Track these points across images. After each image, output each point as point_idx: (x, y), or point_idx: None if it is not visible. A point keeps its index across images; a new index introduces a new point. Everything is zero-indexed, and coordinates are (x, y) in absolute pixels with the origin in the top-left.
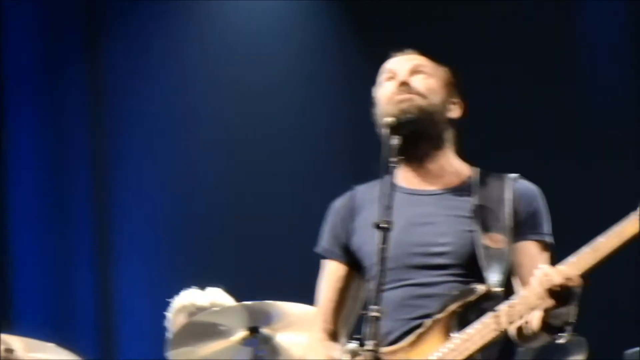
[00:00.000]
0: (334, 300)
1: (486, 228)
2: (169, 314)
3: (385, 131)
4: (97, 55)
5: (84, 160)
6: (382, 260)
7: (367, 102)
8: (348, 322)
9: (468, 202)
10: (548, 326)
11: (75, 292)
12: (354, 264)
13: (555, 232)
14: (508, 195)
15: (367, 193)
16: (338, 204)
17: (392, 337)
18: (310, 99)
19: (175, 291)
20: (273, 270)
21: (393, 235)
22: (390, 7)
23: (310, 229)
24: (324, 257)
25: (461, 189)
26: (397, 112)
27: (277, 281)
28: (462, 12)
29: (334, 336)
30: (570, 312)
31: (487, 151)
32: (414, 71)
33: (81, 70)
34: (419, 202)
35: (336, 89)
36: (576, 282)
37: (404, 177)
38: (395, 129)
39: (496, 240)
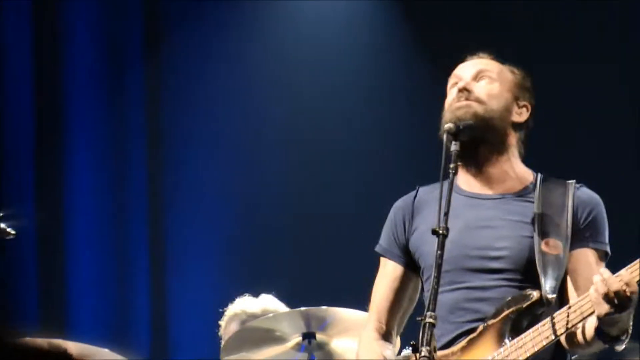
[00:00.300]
0: (389, 300)
1: (545, 234)
2: (222, 322)
3: (444, 137)
4: (157, 57)
5: (142, 164)
6: (438, 267)
7: (430, 103)
8: (402, 322)
9: (528, 208)
10: (603, 334)
11: (131, 298)
12: (412, 264)
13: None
14: (569, 203)
15: (428, 194)
16: (399, 204)
17: (444, 340)
18: (373, 100)
19: (233, 297)
20: (334, 274)
21: (451, 237)
22: (452, 7)
23: (374, 232)
24: (382, 256)
25: (522, 194)
26: (454, 119)
27: (338, 284)
28: (526, 11)
29: (386, 335)
30: (625, 319)
31: (552, 156)
32: (478, 76)
33: (141, 73)
34: (479, 205)
35: (399, 89)
36: (634, 289)
37: (465, 180)
38: (454, 135)
39: (553, 247)
